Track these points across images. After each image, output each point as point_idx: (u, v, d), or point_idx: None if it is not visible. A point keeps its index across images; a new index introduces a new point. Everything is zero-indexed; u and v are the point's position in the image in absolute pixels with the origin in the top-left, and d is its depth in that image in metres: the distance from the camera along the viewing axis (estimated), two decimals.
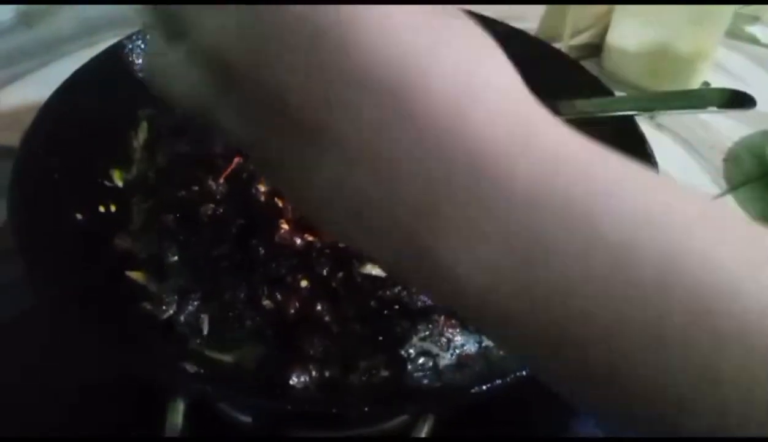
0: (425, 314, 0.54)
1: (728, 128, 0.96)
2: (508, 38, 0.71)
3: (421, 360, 0.53)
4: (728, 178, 0.89)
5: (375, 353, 0.52)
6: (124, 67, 0.67)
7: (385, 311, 0.54)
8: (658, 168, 0.61)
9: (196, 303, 0.54)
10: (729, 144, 0.94)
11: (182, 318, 0.54)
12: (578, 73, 0.73)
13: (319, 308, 0.52)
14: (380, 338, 0.53)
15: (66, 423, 0.55)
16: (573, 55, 1.04)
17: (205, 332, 0.53)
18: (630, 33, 0.99)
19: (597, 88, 0.70)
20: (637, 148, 0.63)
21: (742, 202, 0.85)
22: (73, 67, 0.63)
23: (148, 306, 0.54)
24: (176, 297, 0.55)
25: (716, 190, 0.87)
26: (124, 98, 0.66)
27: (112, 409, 0.56)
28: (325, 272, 0.54)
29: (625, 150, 0.24)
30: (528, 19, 0.98)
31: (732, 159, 0.92)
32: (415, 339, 0.54)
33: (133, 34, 0.68)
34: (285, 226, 0.56)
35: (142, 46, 0.68)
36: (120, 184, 0.63)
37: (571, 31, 1.01)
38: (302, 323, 0.52)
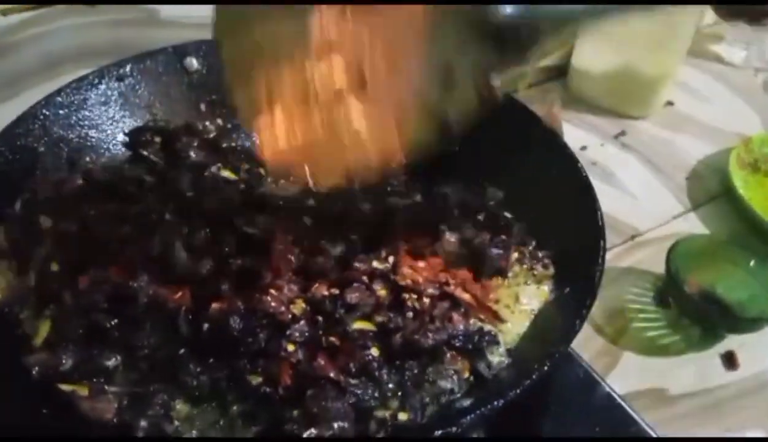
0: (434, 353, 0.52)
1: (691, 147, 0.97)
2: None
3: (436, 397, 0.50)
4: (691, 196, 0.90)
5: (387, 401, 0.49)
6: None
7: (393, 358, 0.51)
8: (597, 200, 0.61)
9: (157, 407, 0.46)
10: (692, 163, 0.95)
11: (143, 424, 0.45)
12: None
13: (317, 364, 0.48)
14: (390, 386, 0.50)
15: None
16: (539, 77, 1.06)
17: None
18: (594, 55, 1.00)
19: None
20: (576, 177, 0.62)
21: (705, 220, 0.86)
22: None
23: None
24: (126, 403, 0.46)
25: (680, 209, 0.88)
26: None
27: None
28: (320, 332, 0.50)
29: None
30: None
31: (695, 178, 0.93)
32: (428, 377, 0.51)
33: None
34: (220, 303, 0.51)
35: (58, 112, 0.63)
36: None
37: (537, 54, 1.03)
38: (300, 388, 0.47)
